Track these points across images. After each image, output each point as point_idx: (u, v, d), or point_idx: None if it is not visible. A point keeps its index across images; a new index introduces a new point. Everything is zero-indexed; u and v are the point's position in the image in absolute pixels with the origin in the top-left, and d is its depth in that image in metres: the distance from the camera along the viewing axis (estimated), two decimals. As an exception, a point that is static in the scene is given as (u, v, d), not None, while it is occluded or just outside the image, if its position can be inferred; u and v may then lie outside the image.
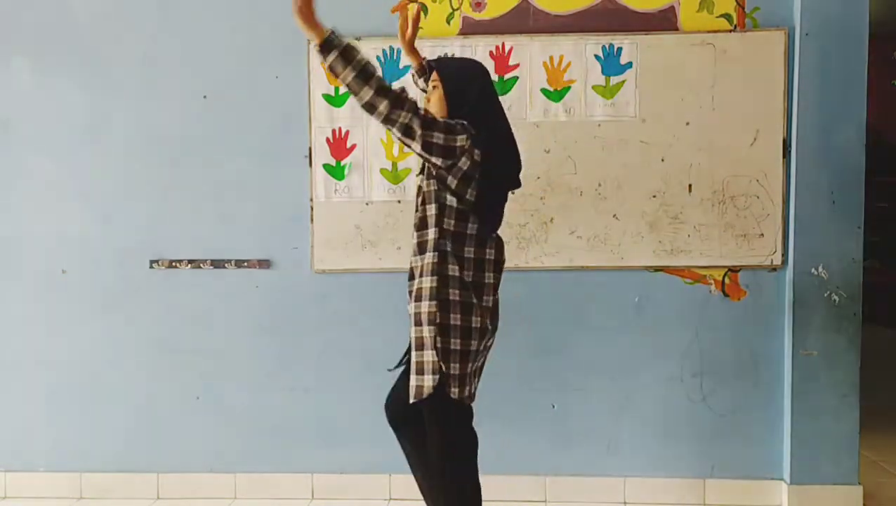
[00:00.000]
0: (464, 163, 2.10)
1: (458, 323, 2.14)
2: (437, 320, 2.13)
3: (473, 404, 2.25)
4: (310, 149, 3.01)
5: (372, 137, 2.99)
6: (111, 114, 3.07)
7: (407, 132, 2.06)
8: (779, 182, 2.92)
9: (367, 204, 3.01)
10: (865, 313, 2.97)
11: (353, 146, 3.00)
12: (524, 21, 2.94)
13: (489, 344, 2.26)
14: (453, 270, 2.15)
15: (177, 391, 3.12)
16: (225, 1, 3.02)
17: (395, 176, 2.99)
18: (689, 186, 2.94)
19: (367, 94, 2.02)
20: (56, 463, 3.15)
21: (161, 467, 3.13)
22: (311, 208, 3.02)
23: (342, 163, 3.01)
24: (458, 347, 2.14)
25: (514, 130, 2.88)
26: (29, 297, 3.13)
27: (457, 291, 2.14)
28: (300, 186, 3.03)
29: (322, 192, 3.02)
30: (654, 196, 2.95)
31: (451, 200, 2.15)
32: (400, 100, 2.04)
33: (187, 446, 3.12)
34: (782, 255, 2.93)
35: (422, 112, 2.07)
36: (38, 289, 3.12)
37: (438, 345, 2.13)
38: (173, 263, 3.08)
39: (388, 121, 2.05)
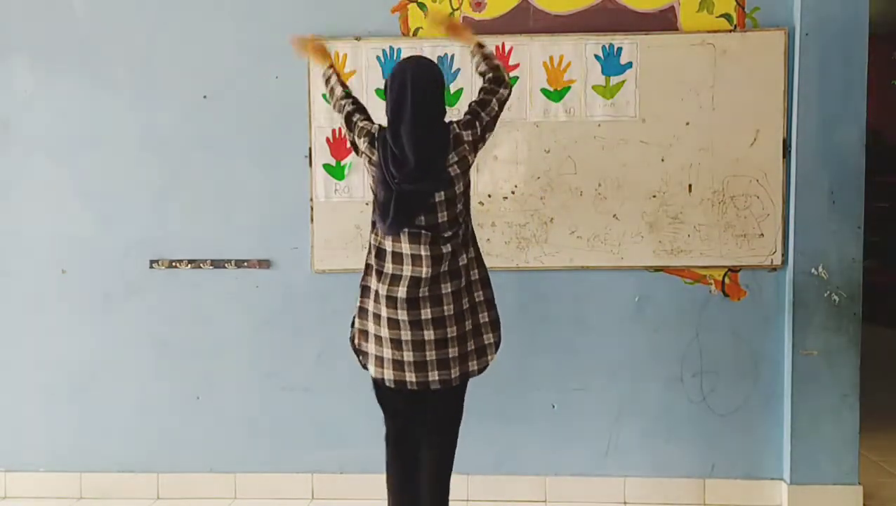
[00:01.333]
0: (365, 162, 2.37)
1: (370, 308, 2.33)
2: (357, 303, 2.37)
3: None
4: (310, 149, 3.01)
5: (372, 136, 2.99)
6: (111, 114, 3.07)
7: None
8: (779, 182, 2.92)
9: (367, 204, 2.99)
10: (865, 313, 2.97)
11: (353, 146, 3.00)
12: (524, 21, 2.94)
13: (416, 338, 2.26)
14: (369, 258, 2.35)
15: (177, 391, 3.12)
16: (225, 1, 3.02)
17: (395, 176, 2.99)
18: (689, 186, 2.94)
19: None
20: (56, 463, 3.15)
21: (161, 467, 3.13)
22: (311, 208, 3.02)
23: (342, 163, 3.01)
24: (371, 330, 2.33)
25: (514, 129, 2.89)
26: (29, 297, 3.13)
27: (371, 279, 2.33)
28: (300, 186, 3.03)
29: (322, 192, 3.02)
30: (654, 196, 2.95)
31: (372, 196, 2.37)
32: (332, 95, 2.51)
33: (187, 446, 3.12)
34: (782, 255, 2.93)
35: (346, 112, 2.43)
36: (38, 289, 3.12)
37: (355, 324, 2.38)
38: (173, 263, 3.08)
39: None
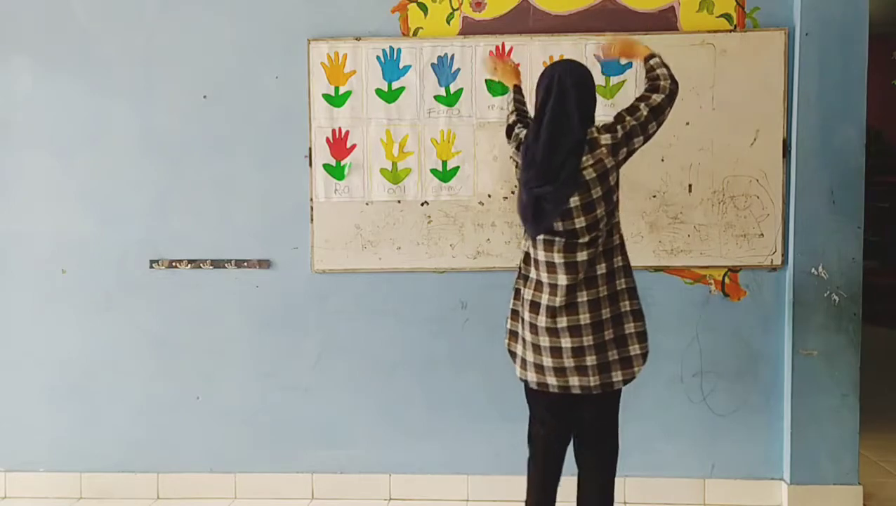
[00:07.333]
0: (514, 169, 2.48)
1: (519, 311, 2.39)
2: (510, 305, 2.44)
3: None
4: (310, 149, 3.01)
5: (372, 136, 2.99)
6: (111, 114, 3.07)
7: None
8: (779, 182, 2.92)
9: (367, 204, 3.01)
10: (865, 313, 2.97)
11: (353, 146, 3.00)
12: (524, 21, 2.94)
13: (553, 345, 2.28)
14: (521, 262, 2.41)
15: (177, 391, 3.12)
16: (225, 1, 3.02)
17: (394, 176, 2.99)
18: (689, 186, 2.94)
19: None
20: (56, 463, 3.15)
21: (161, 467, 3.13)
22: (311, 208, 3.02)
23: (342, 163, 3.01)
24: (518, 332, 2.39)
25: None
26: (29, 297, 3.13)
27: (521, 282, 2.39)
28: (300, 186, 3.03)
29: (322, 192, 3.02)
30: (654, 196, 2.95)
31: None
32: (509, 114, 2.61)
33: (187, 446, 3.12)
34: (782, 255, 2.93)
35: (508, 124, 2.53)
36: (38, 289, 3.12)
37: (507, 325, 2.45)
38: (173, 263, 3.08)
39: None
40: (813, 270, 2.89)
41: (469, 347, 3.03)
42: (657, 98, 2.28)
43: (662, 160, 2.94)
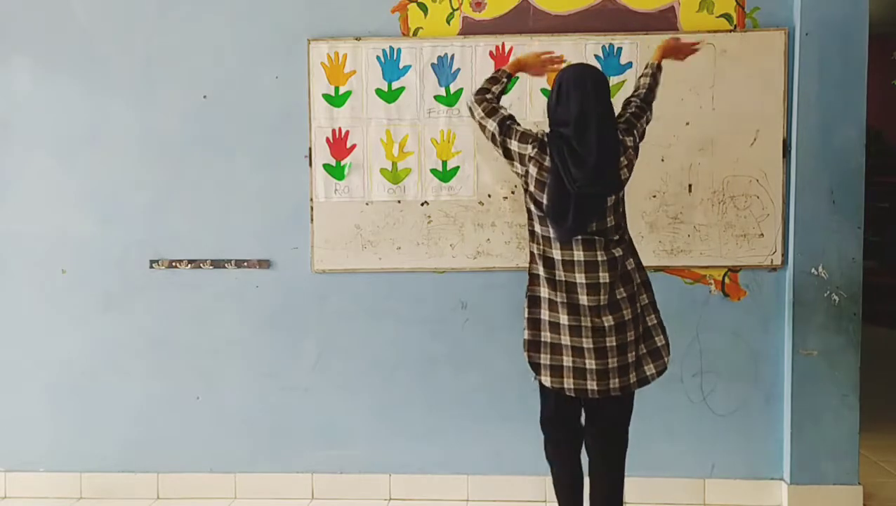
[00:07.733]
0: (531, 168, 2.30)
1: (545, 317, 2.33)
2: (525, 315, 2.37)
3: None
4: (310, 149, 3.01)
5: (372, 136, 2.99)
6: (111, 114, 3.06)
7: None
8: (779, 182, 2.92)
9: (367, 204, 3.01)
10: (865, 313, 2.97)
11: (353, 146, 3.00)
12: (524, 21, 2.94)
13: (598, 346, 2.28)
14: (536, 268, 2.35)
15: (177, 391, 3.12)
16: (225, 1, 3.02)
17: (394, 176, 2.99)
18: (689, 186, 2.94)
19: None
20: (56, 463, 3.15)
21: (161, 467, 3.13)
22: (311, 208, 3.02)
23: (342, 163, 3.01)
24: (546, 340, 2.33)
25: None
26: (29, 297, 3.13)
27: (541, 288, 2.34)
28: (300, 186, 3.03)
29: (322, 192, 3.02)
30: (654, 196, 2.95)
31: (530, 205, 2.35)
32: (486, 92, 2.47)
33: (187, 446, 3.12)
34: (782, 255, 2.93)
35: (502, 116, 2.40)
36: (38, 289, 3.12)
37: (525, 336, 2.37)
38: (173, 263, 3.08)
39: None
40: (813, 270, 2.89)
41: (469, 348, 3.03)
42: (650, 116, 2.50)
43: (662, 160, 2.94)
